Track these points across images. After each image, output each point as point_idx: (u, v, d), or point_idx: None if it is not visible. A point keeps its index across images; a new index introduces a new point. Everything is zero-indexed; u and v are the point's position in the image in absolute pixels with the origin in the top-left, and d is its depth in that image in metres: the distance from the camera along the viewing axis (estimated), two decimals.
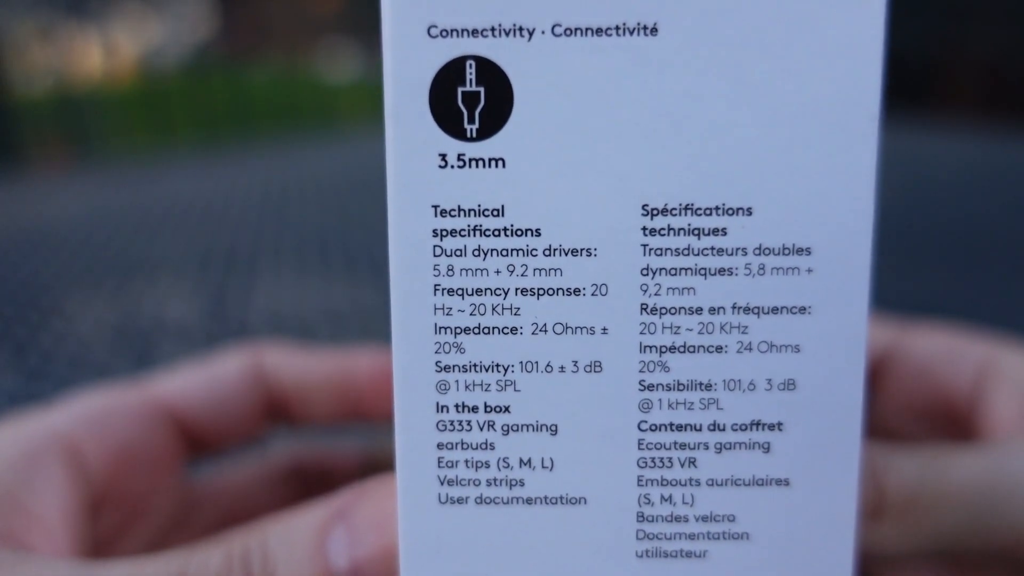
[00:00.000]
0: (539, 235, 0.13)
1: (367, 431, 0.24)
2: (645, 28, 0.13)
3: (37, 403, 0.20)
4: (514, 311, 0.13)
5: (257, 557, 0.15)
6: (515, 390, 0.14)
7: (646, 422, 0.14)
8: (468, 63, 0.13)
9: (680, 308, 0.13)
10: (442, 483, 0.14)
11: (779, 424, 0.14)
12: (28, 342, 0.40)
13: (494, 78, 0.13)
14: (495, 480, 0.14)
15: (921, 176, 0.79)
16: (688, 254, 0.13)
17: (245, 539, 0.15)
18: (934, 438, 0.22)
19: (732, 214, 0.13)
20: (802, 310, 0.13)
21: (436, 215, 0.13)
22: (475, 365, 0.14)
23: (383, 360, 0.22)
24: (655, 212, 0.13)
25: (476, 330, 0.13)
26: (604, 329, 0.13)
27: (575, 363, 0.14)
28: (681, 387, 0.14)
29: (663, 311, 0.13)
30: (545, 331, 0.13)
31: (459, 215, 0.13)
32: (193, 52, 2.91)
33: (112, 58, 2.58)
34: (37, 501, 0.17)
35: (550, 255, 0.13)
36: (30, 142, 2.11)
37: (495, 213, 0.13)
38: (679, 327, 0.13)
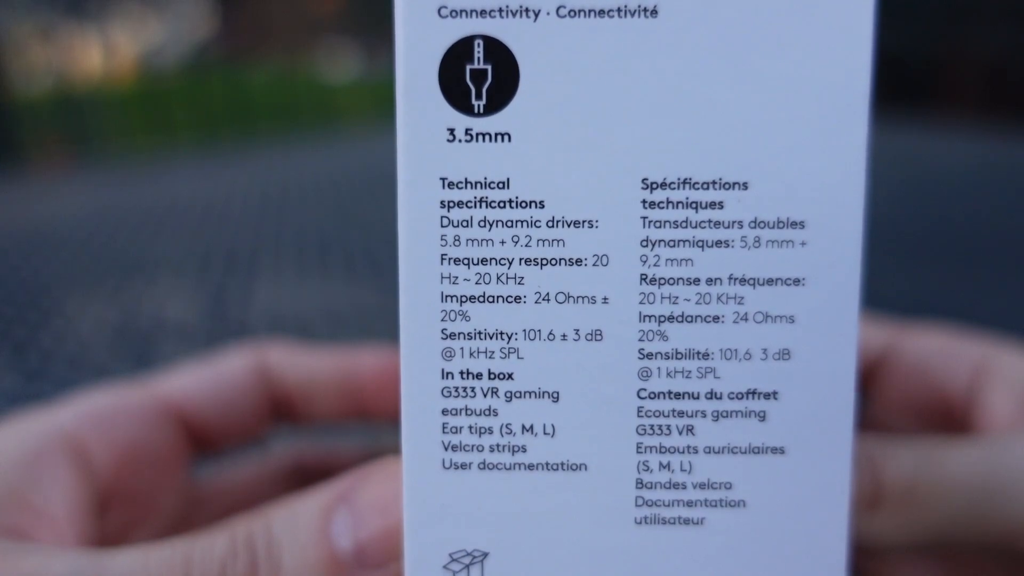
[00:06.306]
0: (542, 207, 0.14)
1: (369, 430, 0.24)
2: (645, 10, 0.13)
3: (37, 403, 0.20)
4: (518, 280, 0.14)
5: (262, 541, 0.15)
6: (518, 357, 0.14)
7: (645, 390, 0.14)
8: (476, 42, 0.13)
9: (678, 279, 0.14)
10: (446, 449, 0.14)
11: (774, 393, 0.14)
12: (28, 342, 0.40)
13: (501, 56, 0.13)
14: (498, 446, 0.14)
15: (921, 176, 0.79)
16: (686, 226, 0.14)
17: (249, 524, 0.15)
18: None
19: (729, 188, 0.14)
20: (796, 282, 0.14)
21: (444, 187, 0.14)
22: (480, 333, 0.14)
23: (386, 359, 0.22)
24: (655, 186, 0.14)
25: (481, 298, 0.14)
26: (605, 298, 0.14)
27: (576, 331, 0.14)
28: (679, 356, 0.14)
29: (662, 281, 0.14)
30: (548, 300, 0.14)
31: (466, 187, 0.14)
32: (193, 52, 2.90)
33: (112, 58, 2.58)
34: (43, 498, 0.17)
35: (553, 226, 0.14)
36: (30, 142, 2.10)
37: (500, 185, 0.14)
38: (677, 297, 0.14)
